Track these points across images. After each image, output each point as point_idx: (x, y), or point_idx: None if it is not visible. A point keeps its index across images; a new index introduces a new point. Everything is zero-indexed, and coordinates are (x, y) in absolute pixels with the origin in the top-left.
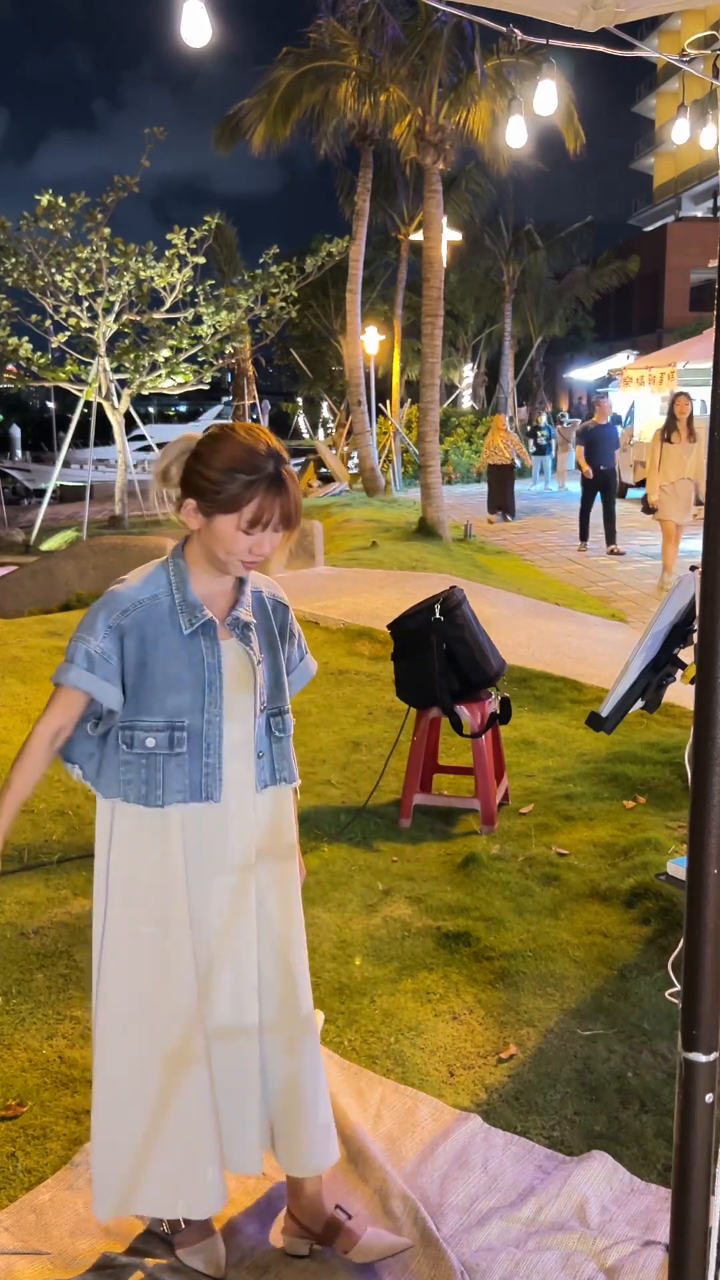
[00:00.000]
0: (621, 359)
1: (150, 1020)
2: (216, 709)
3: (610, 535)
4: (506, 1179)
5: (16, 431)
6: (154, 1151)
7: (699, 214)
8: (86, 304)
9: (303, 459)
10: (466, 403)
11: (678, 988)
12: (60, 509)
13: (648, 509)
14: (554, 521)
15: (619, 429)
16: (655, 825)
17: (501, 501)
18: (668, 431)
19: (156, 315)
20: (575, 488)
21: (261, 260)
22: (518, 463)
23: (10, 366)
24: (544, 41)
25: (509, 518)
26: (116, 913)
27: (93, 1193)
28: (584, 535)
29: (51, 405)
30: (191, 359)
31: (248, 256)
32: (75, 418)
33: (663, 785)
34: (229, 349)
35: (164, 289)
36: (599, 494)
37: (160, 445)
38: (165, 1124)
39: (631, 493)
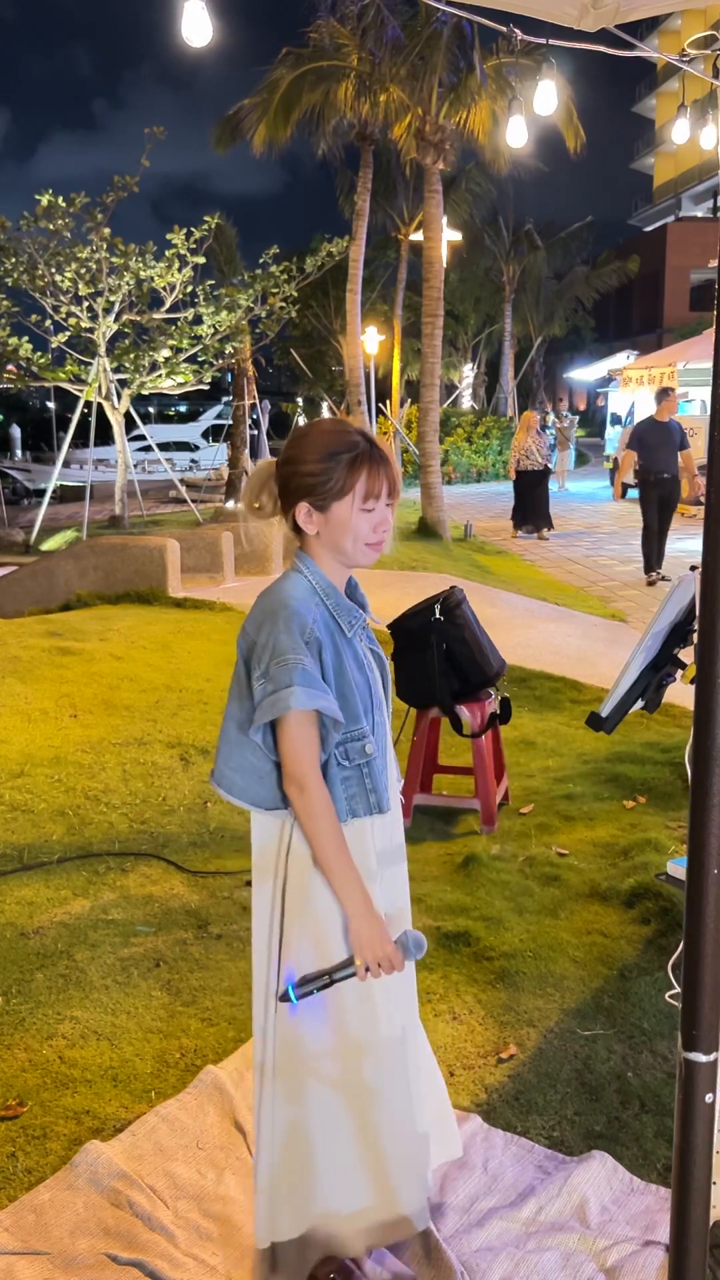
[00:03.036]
0: (621, 359)
1: (390, 1038)
2: (381, 711)
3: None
4: (506, 1179)
5: (16, 431)
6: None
7: (699, 214)
8: (86, 304)
9: None
10: (466, 403)
11: (678, 989)
12: (60, 509)
13: None
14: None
15: (623, 426)
16: (655, 825)
17: (533, 513)
18: None
19: (156, 315)
20: (574, 487)
21: (261, 260)
22: (551, 468)
23: (10, 366)
24: (544, 41)
25: (544, 534)
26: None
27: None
28: (652, 564)
29: (51, 405)
30: (191, 359)
31: (248, 256)
32: (75, 418)
33: (663, 785)
34: (229, 349)
35: (164, 289)
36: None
37: (160, 445)
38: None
39: (632, 493)
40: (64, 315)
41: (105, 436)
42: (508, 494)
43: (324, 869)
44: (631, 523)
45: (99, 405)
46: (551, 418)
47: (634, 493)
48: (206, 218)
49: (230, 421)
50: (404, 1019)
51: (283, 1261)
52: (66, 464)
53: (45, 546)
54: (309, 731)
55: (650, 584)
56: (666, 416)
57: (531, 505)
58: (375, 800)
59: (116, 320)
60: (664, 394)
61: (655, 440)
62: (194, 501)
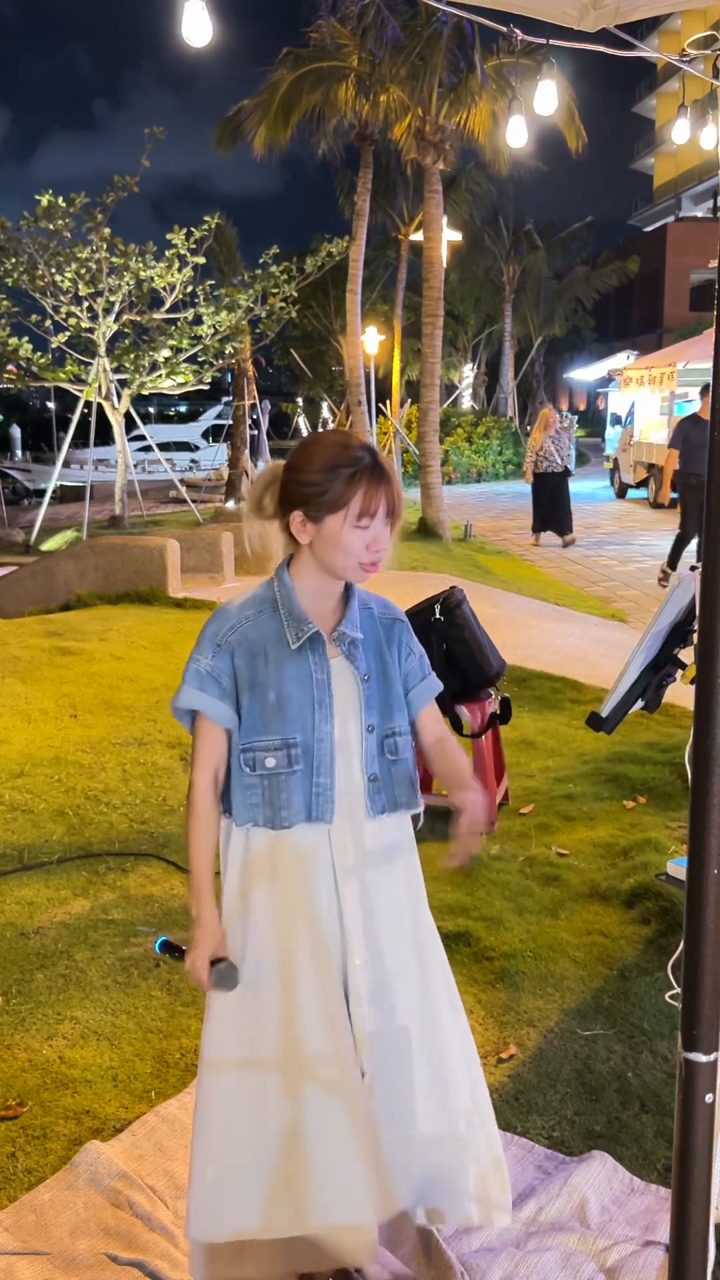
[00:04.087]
0: (621, 359)
1: (273, 1052)
2: (327, 726)
3: None
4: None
5: (16, 431)
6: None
7: (699, 214)
8: (86, 304)
9: None
10: (466, 403)
11: (678, 989)
12: (60, 509)
13: (655, 505)
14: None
15: (623, 426)
16: (655, 825)
17: (554, 518)
18: None
19: (156, 315)
20: (575, 487)
21: (261, 260)
22: (572, 469)
23: (10, 366)
24: (544, 41)
25: (567, 539)
26: (250, 937)
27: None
28: (674, 566)
29: (51, 405)
30: (191, 359)
31: (248, 256)
32: (75, 418)
33: (663, 785)
34: (229, 349)
35: (164, 289)
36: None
37: (160, 445)
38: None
39: (632, 493)
40: (64, 315)
41: (105, 436)
42: (508, 494)
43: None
44: (631, 523)
45: (99, 405)
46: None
47: (635, 492)
48: (206, 218)
49: (230, 421)
50: (408, 1017)
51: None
52: (66, 464)
53: (45, 546)
54: (206, 730)
55: (661, 582)
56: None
57: (552, 509)
58: (270, 815)
59: (116, 320)
60: (709, 389)
61: (700, 438)
62: (194, 501)
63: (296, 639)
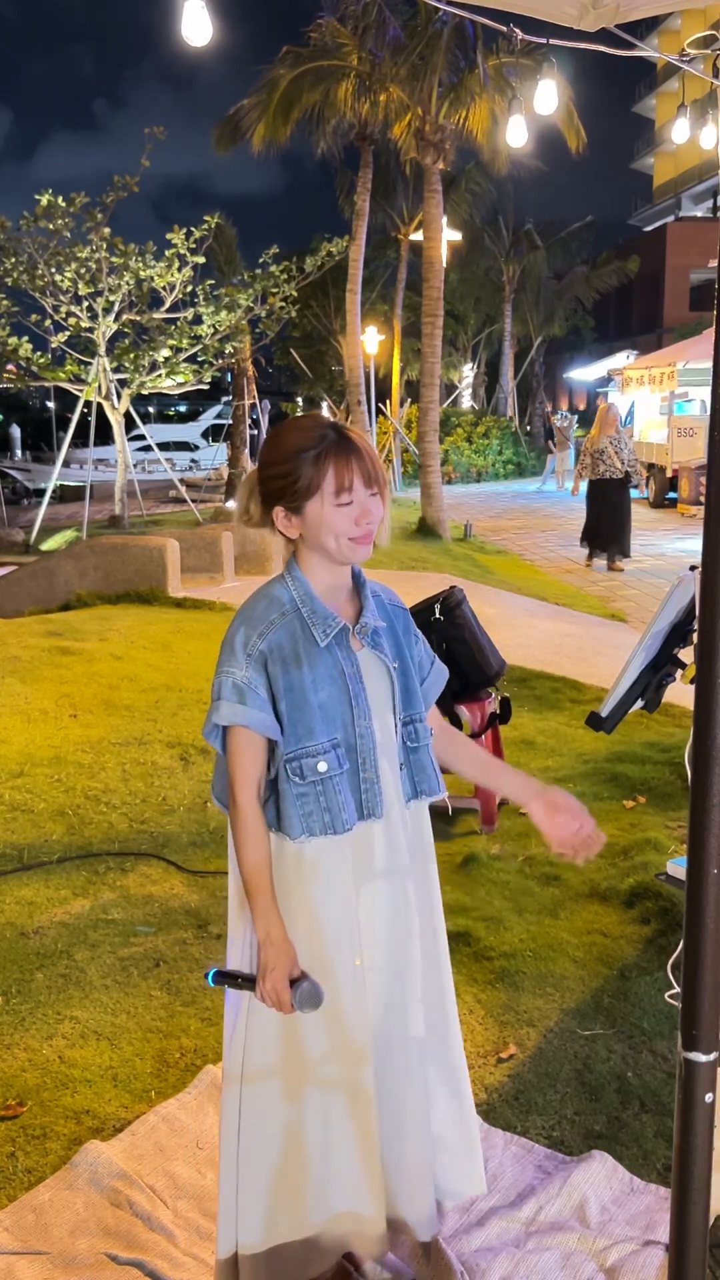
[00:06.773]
0: (621, 359)
1: (329, 1056)
2: (366, 721)
3: None
4: (506, 1179)
5: (16, 431)
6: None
7: (699, 214)
8: (86, 304)
9: None
10: (466, 403)
11: (677, 989)
12: (60, 509)
13: (655, 505)
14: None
15: (622, 425)
16: (655, 825)
17: (610, 535)
18: None
19: (156, 315)
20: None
21: (261, 260)
22: (634, 474)
23: (10, 366)
24: (544, 41)
25: (618, 563)
26: (313, 952)
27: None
28: None
29: (51, 405)
30: (191, 359)
31: (248, 256)
32: (75, 418)
33: (663, 785)
34: (229, 349)
35: (164, 289)
36: None
37: (160, 445)
38: (340, 1156)
39: (632, 493)
40: (64, 315)
41: (105, 436)
42: (507, 494)
43: (244, 886)
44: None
45: (99, 405)
46: (557, 418)
47: (635, 492)
48: (206, 217)
49: (230, 421)
50: (415, 1027)
51: (253, 1273)
52: (66, 464)
53: (45, 546)
54: (245, 745)
55: None
56: None
57: (609, 525)
58: (330, 821)
59: (116, 320)
60: None
61: None
62: (194, 501)
63: (325, 635)
